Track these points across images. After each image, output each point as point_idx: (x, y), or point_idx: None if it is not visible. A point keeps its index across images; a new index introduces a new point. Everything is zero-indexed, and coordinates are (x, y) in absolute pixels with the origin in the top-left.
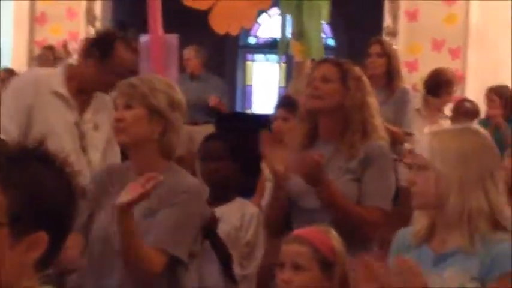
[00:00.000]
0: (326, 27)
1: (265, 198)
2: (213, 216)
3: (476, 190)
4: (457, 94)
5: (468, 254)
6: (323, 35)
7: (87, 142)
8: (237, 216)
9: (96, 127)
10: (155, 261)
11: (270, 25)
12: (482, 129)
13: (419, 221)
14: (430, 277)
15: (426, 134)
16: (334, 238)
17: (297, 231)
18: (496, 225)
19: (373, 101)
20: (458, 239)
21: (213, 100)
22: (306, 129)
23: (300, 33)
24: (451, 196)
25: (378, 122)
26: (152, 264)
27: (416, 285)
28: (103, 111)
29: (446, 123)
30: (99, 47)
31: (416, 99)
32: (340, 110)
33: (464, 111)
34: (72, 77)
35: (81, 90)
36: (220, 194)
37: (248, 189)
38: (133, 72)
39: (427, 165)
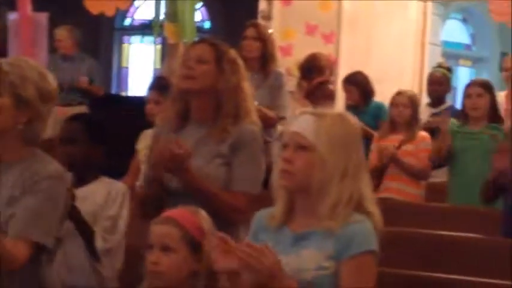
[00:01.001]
0: (202, 10)
1: (141, 180)
2: (72, 195)
3: (354, 177)
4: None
5: (325, 235)
6: (199, 18)
7: None
8: (103, 195)
9: None
10: (20, 252)
11: (146, 7)
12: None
13: (279, 203)
14: (288, 257)
15: (309, 115)
16: (203, 219)
17: (166, 212)
18: (357, 208)
19: (247, 85)
20: (322, 222)
21: (81, 81)
22: (178, 110)
23: (173, 15)
24: (332, 182)
25: (251, 106)
26: (17, 256)
27: (269, 267)
28: None
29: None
30: None
31: (290, 83)
32: (213, 92)
33: (328, 94)
34: None
35: None
36: (81, 176)
37: (118, 170)
38: None
39: (310, 146)
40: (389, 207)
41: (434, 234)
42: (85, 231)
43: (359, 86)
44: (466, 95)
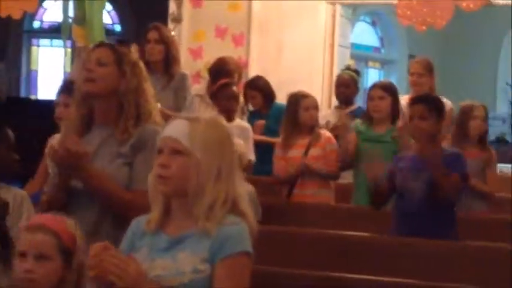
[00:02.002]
0: (113, 13)
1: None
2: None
3: (228, 178)
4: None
5: (201, 237)
6: (109, 21)
7: None
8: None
9: None
10: None
11: (55, 9)
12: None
13: (155, 207)
14: (164, 261)
15: (182, 120)
16: (72, 226)
17: (37, 220)
18: (232, 209)
19: (148, 86)
20: (198, 224)
21: None
22: (82, 114)
23: (81, 18)
24: (208, 184)
25: (153, 107)
26: None
27: (133, 276)
28: None
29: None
30: None
31: (200, 86)
32: (114, 95)
33: (231, 96)
34: None
35: None
36: None
37: (25, 174)
38: None
39: (184, 150)
40: (299, 209)
41: (339, 234)
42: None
43: (262, 90)
44: (369, 98)
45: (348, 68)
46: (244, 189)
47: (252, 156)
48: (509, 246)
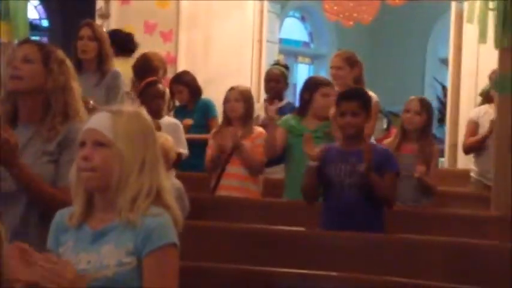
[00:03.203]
0: (40, 8)
1: None
2: None
3: (152, 170)
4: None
5: (124, 229)
6: (36, 16)
7: None
8: None
9: None
10: None
11: None
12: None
13: (77, 201)
14: (89, 254)
15: (105, 113)
16: None
17: None
18: (157, 201)
19: (75, 84)
20: (120, 216)
21: None
22: (7, 112)
23: (5, 13)
24: (132, 176)
25: (80, 105)
26: None
27: (70, 279)
28: None
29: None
30: None
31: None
32: (41, 92)
33: (157, 94)
34: None
35: None
36: None
37: None
38: None
39: (107, 142)
40: (226, 204)
41: (268, 228)
42: None
43: (188, 85)
44: (322, 94)
45: (277, 62)
46: (168, 182)
47: (184, 149)
48: (509, 244)
